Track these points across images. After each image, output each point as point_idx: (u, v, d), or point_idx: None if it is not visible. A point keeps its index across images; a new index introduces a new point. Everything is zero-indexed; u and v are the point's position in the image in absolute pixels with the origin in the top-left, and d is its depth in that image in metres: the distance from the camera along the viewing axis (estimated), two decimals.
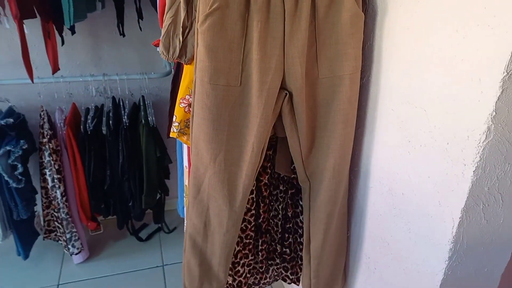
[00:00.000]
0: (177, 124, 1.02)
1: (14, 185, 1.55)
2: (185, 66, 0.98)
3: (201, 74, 0.88)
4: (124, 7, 1.51)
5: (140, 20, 1.56)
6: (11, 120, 1.52)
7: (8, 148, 1.50)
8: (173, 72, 1.40)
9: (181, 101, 1.00)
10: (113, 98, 1.63)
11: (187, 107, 1.00)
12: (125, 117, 1.60)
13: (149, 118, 1.63)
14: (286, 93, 0.92)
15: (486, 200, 0.71)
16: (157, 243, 1.97)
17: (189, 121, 0.99)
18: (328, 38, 0.89)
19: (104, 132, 1.59)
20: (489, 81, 0.61)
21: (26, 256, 1.76)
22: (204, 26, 0.84)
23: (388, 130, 0.92)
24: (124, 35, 1.56)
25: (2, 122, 1.49)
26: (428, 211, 0.80)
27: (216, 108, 0.89)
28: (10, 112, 1.59)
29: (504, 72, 0.59)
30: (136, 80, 1.64)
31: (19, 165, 1.54)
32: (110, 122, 1.58)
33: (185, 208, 1.26)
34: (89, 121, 1.59)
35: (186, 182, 1.25)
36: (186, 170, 1.22)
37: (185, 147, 1.19)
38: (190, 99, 0.98)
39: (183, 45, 0.92)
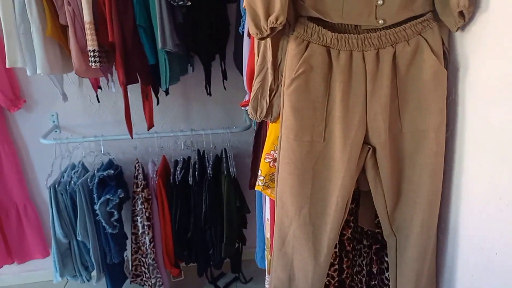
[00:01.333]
0: (262, 177, 1.10)
1: (110, 230, 1.73)
2: (270, 124, 1.08)
3: (287, 132, 0.97)
4: (211, 69, 1.70)
5: (224, 80, 1.73)
6: (112, 171, 1.73)
7: (107, 196, 1.69)
8: (255, 128, 1.51)
9: (266, 156, 1.09)
10: (198, 150, 1.79)
11: (272, 162, 1.08)
12: (209, 168, 1.74)
13: (230, 170, 1.75)
14: (370, 148, 0.97)
15: None
16: None
17: (274, 175, 1.07)
18: (410, 94, 0.93)
19: (190, 182, 1.73)
20: None
21: None
22: (290, 88, 0.94)
23: (477, 186, 0.90)
24: (210, 94, 1.74)
25: (105, 173, 1.71)
26: None
27: (301, 162, 0.96)
28: (110, 164, 1.82)
29: None
30: (219, 134, 1.79)
31: (115, 212, 1.72)
32: (196, 173, 1.73)
33: (266, 261, 1.30)
34: (178, 172, 1.75)
35: (267, 235, 1.31)
36: (268, 223, 1.28)
37: (267, 200, 1.25)
38: (275, 154, 1.07)
39: (269, 106, 1.02)
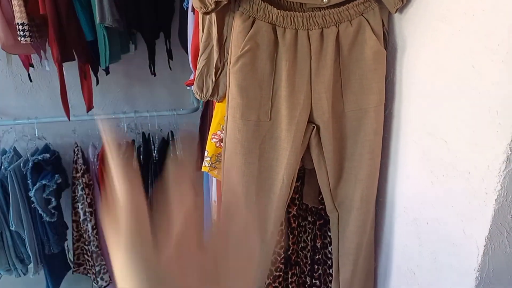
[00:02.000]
0: (208, 158, 1.09)
1: (47, 219, 1.64)
2: (216, 103, 1.07)
3: (233, 111, 0.96)
4: (156, 48, 1.63)
5: (170, 59, 1.68)
6: (48, 155, 1.63)
7: (43, 182, 1.60)
8: (201, 109, 1.49)
9: (212, 136, 1.08)
10: (143, 134, 1.73)
11: (219, 142, 1.08)
12: (155, 151, 1.69)
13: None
14: (314, 127, 0.99)
15: (510, 228, 0.74)
16: None
17: (221, 156, 1.06)
18: (353, 73, 0.96)
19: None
20: (506, 112, 0.66)
21: None
22: (236, 66, 0.93)
23: (411, 161, 0.96)
24: (155, 74, 1.68)
25: (40, 157, 1.60)
26: (452, 240, 0.83)
27: (247, 142, 0.97)
28: (46, 149, 1.71)
29: None
30: (166, 116, 1.74)
31: (53, 199, 1.63)
32: (141, 156, 1.68)
33: None
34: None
35: (215, 216, 1.31)
36: (215, 205, 1.28)
37: (213, 181, 1.25)
38: (222, 134, 1.06)
39: (215, 85, 1.01)
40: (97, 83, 1.61)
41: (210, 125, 1.10)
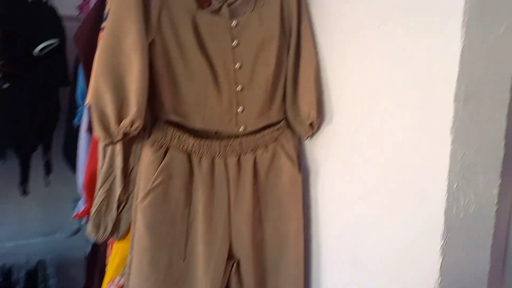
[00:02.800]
0: None
1: None
2: (115, 243, 0.88)
3: (140, 254, 0.82)
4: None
5: (47, 174, 1.43)
6: None
7: None
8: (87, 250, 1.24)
9: (109, 285, 0.87)
10: (2, 267, 1.37)
11: None
12: None
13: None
14: (234, 262, 0.90)
15: None
16: None
17: None
18: (271, 200, 0.93)
19: None
20: (430, 250, 0.67)
21: None
22: (145, 202, 0.82)
23: None
24: (27, 193, 1.39)
25: None
26: None
27: None
28: None
29: (442, 242, 0.66)
30: (37, 244, 1.42)
31: None
32: None
33: None
34: None
35: None
36: None
37: None
38: (122, 281, 0.86)
39: (116, 221, 0.85)
40: None
41: (102, 270, 0.90)
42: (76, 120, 1.06)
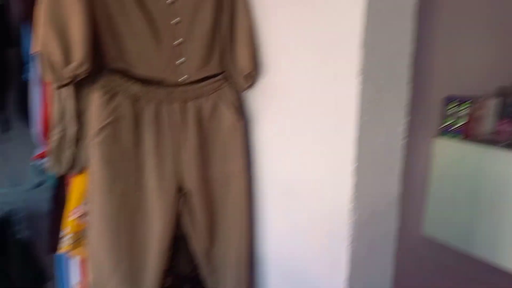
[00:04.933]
0: (69, 236, 1.00)
1: None
2: (73, 179, 1.00)
3: (98, 184, 0.92)
4: None
5: (4, 132, 1.49)
6: None
7: None
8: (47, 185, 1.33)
9: (73, 212, 0.99)
10: None
11: (81, 217, 1.00)
12: None
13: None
14: (184, 194, 1.02)
15: None
16: None
17: (84, 232, 0.99)
18: (215, 143, 1.05)
19: None
20: (344, 174, 0.83)
21: None
22: (98, 139, 0.90)
23: (275, 217, 1.07)
24: None
25: None
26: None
27: (116, 216, 0.93)
28: None
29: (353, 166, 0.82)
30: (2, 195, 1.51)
31: None
32: None
33: None
34: None
35: None
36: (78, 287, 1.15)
37: (75, 262, 1.13)
38: (84, 208, 0.99)
39: (74, 155, 0.95)
40: None
41: (64, 201, 1.01)
42: (24, 75, 1.12)
